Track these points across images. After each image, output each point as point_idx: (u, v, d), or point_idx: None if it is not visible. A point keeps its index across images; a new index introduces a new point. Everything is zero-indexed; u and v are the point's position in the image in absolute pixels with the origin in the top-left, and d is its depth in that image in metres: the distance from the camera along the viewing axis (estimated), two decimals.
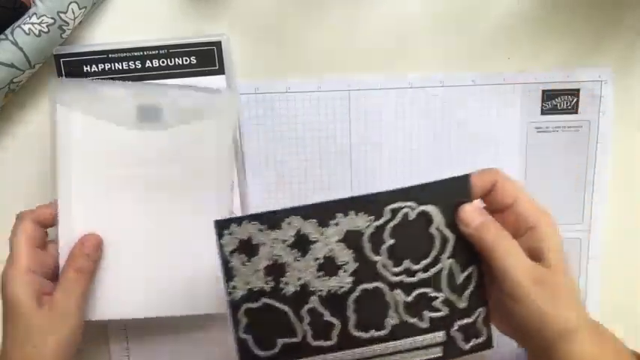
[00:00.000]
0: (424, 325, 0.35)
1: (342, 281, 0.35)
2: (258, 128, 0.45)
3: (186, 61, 0.43)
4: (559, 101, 0.44)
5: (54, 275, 0.40)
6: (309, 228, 0.34)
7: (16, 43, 0.39)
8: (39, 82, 0.44)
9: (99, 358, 0.47)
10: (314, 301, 0.35)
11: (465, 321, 0.36)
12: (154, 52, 0.43)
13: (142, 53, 0.43)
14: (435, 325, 0.35)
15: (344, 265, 0.34)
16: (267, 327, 0.35)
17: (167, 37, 0.43)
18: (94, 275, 0.40)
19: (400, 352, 0.36)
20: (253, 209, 0.46)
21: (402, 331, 0.35)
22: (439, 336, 0.36)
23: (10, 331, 0.37)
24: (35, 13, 0.39)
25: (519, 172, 0.45)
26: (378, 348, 0.36)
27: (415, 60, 0.44)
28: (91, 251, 0.40)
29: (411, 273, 0.35)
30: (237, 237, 0.34)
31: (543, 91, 0.44)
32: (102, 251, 0.41)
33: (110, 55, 0.43)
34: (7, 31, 0.39)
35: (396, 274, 0.35)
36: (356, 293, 0.35)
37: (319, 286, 0.34)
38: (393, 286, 0.35)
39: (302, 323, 0.35)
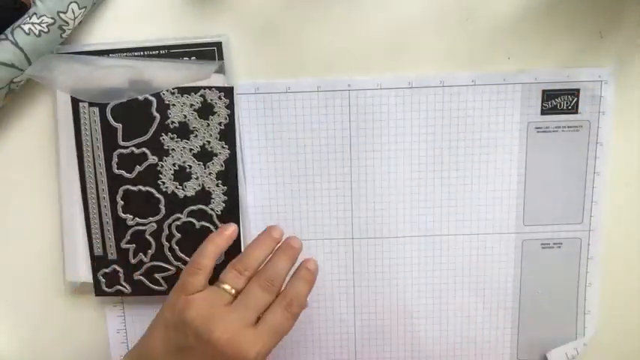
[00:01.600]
0: None
1: None
2: (258, 128, 0.45)
3: (186, 60, 0.43)
4: (559, 101, 0.44)
5: None
6: None
7: (16, 43, 0.39)
8: (37, 83, 0.44)
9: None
10: None
11: None
12: (154, 52, 0.43)
13: (142, 53, 0.43)
14: None
15: None
16: None
17: (167, 37, 0.43)
18: None
19: None
20: (252, 209, 0.46)
21: None
22: None
23: None
24: (35, 13, 0.39)
25: (519, 172, 0.45)
26: None
27: (415, 60, 0.44)
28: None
29: None
30: None
31: (543, 91, 0.44)
32: None
33: (110, 55, 0.43)
34: (7, 31, 0.39)
35: None
36: None
37: None
38: None
39: None
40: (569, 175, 0.46)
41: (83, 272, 0.45)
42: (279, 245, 0.41)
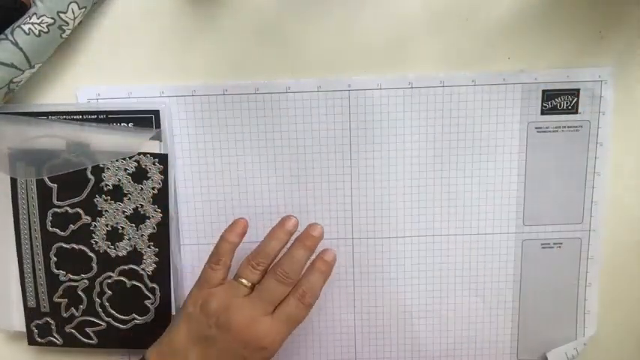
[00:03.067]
0: None
1: None
2: (258, 128, 0.45)
3: (124, 126, 0.44)
4: (559, 101, 0.44)
5: None
6: None
7: (16, 43, 0.39)
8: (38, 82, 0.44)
9: None
10: None
11: None
12: (92, 117, 0.44)
13: (81, 117, 0.44)
14: None
15: None
16: None
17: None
18: None
19: None
20: (252, 208, 0.46)
21: None
22: None
23: None
24: (35, 13, 0.39)
25: (519, 172, 0.45)
26: None
27: (415, 60, 0.44)
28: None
29: None
30: None
31: (543, 91, 0.44)
32: None
33: (50, 117, 0.44)
34: (7, 31, 0.39)
35: None
36: None
37: None
38: None
39: None
40: (569, 175, 0.46)
41: (17, 321, 0.47)
42: (300, 234, 0.43)
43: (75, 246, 0.45)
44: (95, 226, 0.45)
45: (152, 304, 0.45)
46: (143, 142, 0.43)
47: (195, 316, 0.40)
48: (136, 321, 0.46)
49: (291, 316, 0.40)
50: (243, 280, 0.41)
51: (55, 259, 0.45)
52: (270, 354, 0.40)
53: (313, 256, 0.42)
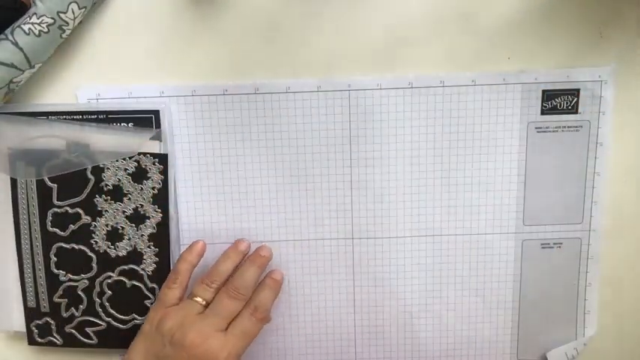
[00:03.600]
0: None
1: None
2: (258, 128, 0.45)
3: (124, 126, 0.44)
4: (559, 101, 0.44)
5: None
6: None
7: (16, 43, 0.39)
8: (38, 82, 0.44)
9: None
10: None
11: None
12: (93, 117, 0.44)
13: (81, 117, 0.44)
14: None
15: None
16: None
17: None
18: None
19: None
20: (252, 208, 0.46)
21: None
22: None
23: None
24: (35, 13, 0.39)
25: (519, 172, 0.45)
26: None
27: (415, 60, 0.44)
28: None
29: None
30: None
31: (543, 91, 0.44)
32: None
33: (50, 117, 0.44)
34: (7, 31, 0.39)
35: None
36: None
37: None
38: None
39: None
40: (569, 175, 0.46)
41: (17, 321, 0.47)
42: (249, 255, 0.45)
43: (75, 246, 0.45)
44: (95, 226, 0.45)
45: (152, 304, 0.45)
46: (143, 142, 0.43)
47: (151, 335, 0.41)
48: (135, 321, 0.46)
49: (245, 331, 0.42)
50: (198, 299, 0.42)
51: (55, 259, 0.45)
52: None
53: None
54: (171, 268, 0.45)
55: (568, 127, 0.45)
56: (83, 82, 0.44)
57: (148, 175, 0.44)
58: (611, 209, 0.46)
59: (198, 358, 0.39)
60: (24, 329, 0.46)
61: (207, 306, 0.42)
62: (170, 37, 0.43)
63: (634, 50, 0.44)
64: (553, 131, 0.45)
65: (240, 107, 0.44)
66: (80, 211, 0.44)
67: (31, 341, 0.46)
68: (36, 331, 0.46)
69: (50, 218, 0.44)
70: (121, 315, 0.46)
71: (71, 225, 0.45)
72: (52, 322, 0.46)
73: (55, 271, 0.45)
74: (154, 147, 0.44)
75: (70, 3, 0.40)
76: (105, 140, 0.43)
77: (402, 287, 0.47)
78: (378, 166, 0.45)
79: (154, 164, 0.44)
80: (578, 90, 0.44)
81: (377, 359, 0.49)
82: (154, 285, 0.45)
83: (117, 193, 0.44)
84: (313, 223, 0.46)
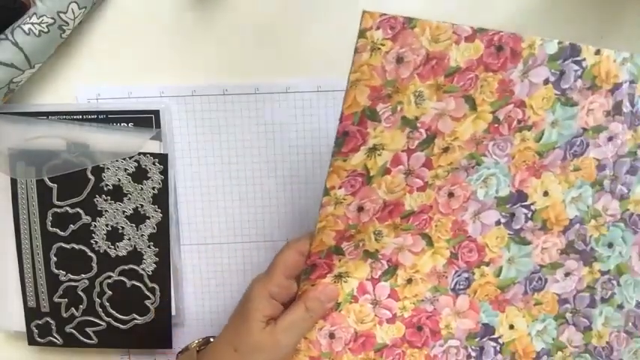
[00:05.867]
0: None
1: None
2: (258, 128, 0.45)
3: (124, 126, 0.44)
4: None
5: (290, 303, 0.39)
6: None
7: (16, 43, 0.39)
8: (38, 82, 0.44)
9: None
10: None
11: None
12: (92, 117, 0.44)
13: (81, 117, 0.44)
14: None
15: None
16: None
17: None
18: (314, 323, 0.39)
19: None
20: (252, 208, 0.46)
21: None
22: None
23: (231, 327, 0.39)
24: (35, 13, 0.39)
25: None
26: None
27: None
28: (325, 299, 0.38)
29: None
30: None
31: None
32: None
33: (50, 118, 0.44)
34: (7, 31, 0.39)
35: None
36: None
37: None
38: None
39: None
40: None
41: (17, 321, 0.47)
42: None
43: (75, 246, 0.45)
44: (95, 226, 0.45)
45: (152, 304, 0.45)
46: (143, 142, 0.43)
47: None
48: (136, 321, 0.46)
49: None
50: None
51: (55, 259, 0.45)
52: None
53: None
54: (171, 267, 0.45)
55: None
56: (83, 82, 0.44)
57: (148, 175, 0.44)
58: None
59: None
60: (24, 329, 0.46)
61: None
62: (170, 37, 0.43)
63: (635, 50, 0.44)
64: None
65: (240, 107, 0.44)
66: (80, 211, 0.44)
67: (31, 341, 0.46)
68: (36, 331, 0.46)
69: (50, 218, 0.44)
70: (121, 315, 0.46)
71: (71, 225, 0.45)
72: (52, 322, 0.46)
73: (55, 271, 0.45)
74: (154, 147, 0.44)
75: (70, 3, 0.40)
76: (105, 140, 0.43)
77: None
78: None
79: (154, 164, 0.44)
80: None
81: None
82: (154, 285, 0.45)
83: (117, 193, 0.44)
84: (313, 223, 0.46)
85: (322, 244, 0.37)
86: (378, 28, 0.32)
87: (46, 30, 0.40)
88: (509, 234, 0.38)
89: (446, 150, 0.35)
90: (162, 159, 0.44)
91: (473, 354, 0.39)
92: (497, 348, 0.40)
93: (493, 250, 0.38)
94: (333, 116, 0.45)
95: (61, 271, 0.45)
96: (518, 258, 0.38)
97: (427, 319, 0.39)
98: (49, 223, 0.45)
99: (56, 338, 0.46)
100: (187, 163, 0.45)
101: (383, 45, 0.33)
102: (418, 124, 0.34)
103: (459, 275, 0.39)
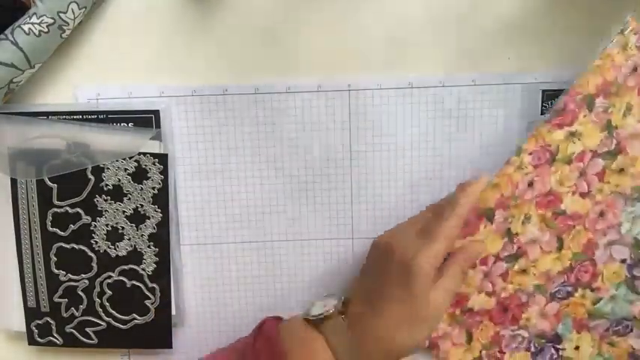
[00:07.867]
0: None
1: None
2: (258, 128, 0.45)
3: (124, 126, 0.44)
4: None
5: None
6: None
7: (16, 43, 0.39)
8: (38, 82, 0.44)
9: None
10: None
11: None
12: (92, 117, 0.44)
13: (81, 117, 0.44)
14: None
15: None
16: None
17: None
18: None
19: None
20: (252, 208, 0.46)
21: None
22: None
23: (394, 298, 0.38)
24: (35, 13, 0.39)
25: None
26: None
27: (415, 60, 0.44)
28: (476, 258, 0.42)
29: None
30: None
31: (543, 91, 0.44)
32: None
33: (50, 117, 0.44)
34: (7, 31, 0.39)
35: None
36: None
37: None
38: None
39: None
40: None
41: (17, 321, 0.47)
42: None
43: (75, 246, 0.45)
44: (95, 226, 0.45)
45: (152, 304, 0.45)
46: (143, 142, 0.43)
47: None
48: (136, 321, 0.46)
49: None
50: None
51: (55, 259, 0.45)
52: None
53: None
54: (171, 267, 0.45)
55: None
56: (83, 83, 0.44)
57: (148, 175, 0.44)
58: None
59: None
60: (24, 329, 0.46)
61: None
62: (170, 37, 0.43)
63: None
64: None
65: (240, 107, 0.44)
66: (80, 211, 0.44)
67: (31, 341, 0.46)
68: (36, 331, 0.46)
69: (50, 218, 0.44)
70: (121, 315, 0.46)
71: (71, 225, 0.45)
72: (52, 322, 0.46)
73: (55, 271, 0.45)
74: (154, 147, 0.44)
75: (70, 3, 0.40)
76: (105, 140, 0.43)
77: None
78: (378, 166, 0.45)
79: (154, 164, 0.44)
80: None
81: None
82: (154, 285, 0.45)
83: (117, 193, 0.44)
84: (313, 223, 0.46)
85: (485, 201, 0.41)
86: (635, 33, 0.39)
87: (46, 30, 0.40)
88: (626, 275, 0.42)
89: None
90: (162, 159, 0.44)
91: (533, 349, 0.44)
92: (555, 356, 0.44)
93: (605, 281, 0.42)
94: (333, 116, 0.45)
95: (61, 271, 0.45)
96: (621, 300, 0.42)
97: (516, 307, 0.43)
98: (49, 223, 0.45)
99: (56, 338, 0.46)
100: (187, 162, 0.45)
101: (631, 49, 0.39)
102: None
103: (564, 286, 0.43)
